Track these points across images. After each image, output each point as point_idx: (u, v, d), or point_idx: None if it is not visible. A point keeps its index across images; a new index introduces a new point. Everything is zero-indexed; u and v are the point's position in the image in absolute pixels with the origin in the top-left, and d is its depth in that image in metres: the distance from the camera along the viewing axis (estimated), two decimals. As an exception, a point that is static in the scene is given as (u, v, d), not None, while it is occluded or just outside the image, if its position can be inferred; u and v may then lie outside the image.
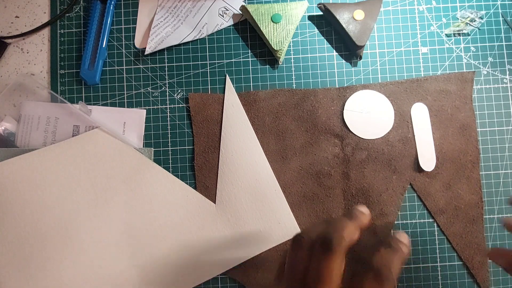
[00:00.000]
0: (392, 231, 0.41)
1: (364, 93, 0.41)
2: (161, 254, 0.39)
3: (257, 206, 0.40)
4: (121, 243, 0.39)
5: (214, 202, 0.41)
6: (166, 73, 0.43)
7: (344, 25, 0.40)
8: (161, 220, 0.40)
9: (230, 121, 0.41)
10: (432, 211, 0.41)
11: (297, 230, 0.40)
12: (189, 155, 0.42)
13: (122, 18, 0.43)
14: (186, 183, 0.41)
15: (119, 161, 0.40)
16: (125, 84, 0.43)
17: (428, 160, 0.40)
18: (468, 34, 0.42)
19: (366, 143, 0.41)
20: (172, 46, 0.43)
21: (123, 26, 0.43)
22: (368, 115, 0.41)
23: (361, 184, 0.40)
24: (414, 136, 0.41)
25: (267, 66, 0.43)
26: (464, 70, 0.42)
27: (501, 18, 0.43)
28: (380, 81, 0.42)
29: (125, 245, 0.39)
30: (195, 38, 0.42)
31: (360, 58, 0.42)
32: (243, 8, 0.42)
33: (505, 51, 0.42)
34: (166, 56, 0.43)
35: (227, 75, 0.42)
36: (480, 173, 0.41)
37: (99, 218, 0.39)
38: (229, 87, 0.42)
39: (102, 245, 0.39)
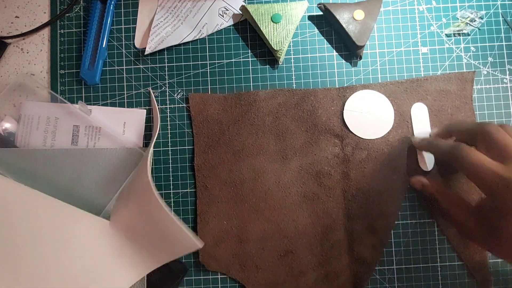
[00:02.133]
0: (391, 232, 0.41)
1: (364, 93, 0.41)
2: (53, 276, 0.37)
3: (150, 227, 0.38)
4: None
5: (218, 201, 0.40)
6: (166, 73, 0.43)
7: (344, 25, 0.40)
8: (58, 251, 0.37)
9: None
10: (433, 212, 0.41)
11: (195, 244, 0.37)
12: (189, 155, 0.42)
13: (122, 18, 0.43)
14: (186, 183, 0.41)
15: (6, 199, 0.37)
16: (125, 84, 0.43)
17: (426, 159, 0.40)
18: (468, 34, 0.42)
19: (366, 143, 0.41)
20: (172, 46, 0.43)
21: (123, 26, 0.43)
22: (368, 115, 0.41)
23: (361, 184, 0.40)
24: (414, 136, 0.41)
25: (267, 66, 0.43)
26: (464, 70, 0.42)
27: (501, 18, 0.43)
28: (380, 81, 0.42)
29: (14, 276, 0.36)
30: (195, 38, 0.42)
31: (360, 58, 0.42)
32: (243, 8, 0.42)
33: (505, 51, 0.42)
34: (166, 56, 0.43)
35: (150, 89, 0.42)
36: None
37: None
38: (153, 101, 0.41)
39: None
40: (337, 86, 0.42)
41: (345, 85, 0.42)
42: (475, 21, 0.42)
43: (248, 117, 0.41)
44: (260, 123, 0.41)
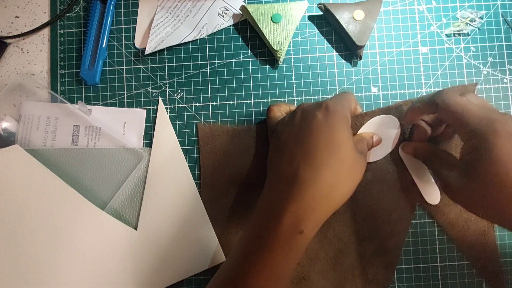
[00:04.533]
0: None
1: (380, 119, 0.38)
2: (76, 281, 0.38)
3: (182, 232, 0.39)
4: (31, 272, 0.37)
5: (227, 232, 0.40)
6: (166, 73, 0.43)
7: (344, 25, 0.40)
8: (75, 247, 0.38)
9: (160, 144, 0.41)
10: (443, 226, 0.40)
11: (222, 257, 0.40)
12: (190, 155, 0.42)
13: (122, 18, 0.43)
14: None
15: (33, 182, 0.38)
16: (125, 84, 0.43)
17: (431, 193, 0.39)
18: (468, 34, 0.42)
19: (370, 163, 0.39)
20: (172, 46, 0.43)
21: (123, 26, 0.43)
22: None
23: (370, 206, 0.40)
24: (410, 174, 0.39)
25: (267, 66, 0.43)
26: (465, 70, 0.42)
27: (501, 18, 0.42)
28: (398, 100, 0.40)
29: (35, 273, 0.37)
30: (195, 38, 0.42)
31: (360, 58, 0.42)
32: (243, 8, 0.42)
33: (505, 51, 0.42)
34: (166, 56, 0.43)
35: (160, 99, 0.42)
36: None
37: (11, 242, 0.37)
38: (161, 109, 0.42)
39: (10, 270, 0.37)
40: (337, 86, 0.42)
41: (345, 85, 0.42)
42: (475, 21, 0.42)
43: (256, 149, 0.41)
44: (267, 154, 0.39)
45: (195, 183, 0.41)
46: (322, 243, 0.40)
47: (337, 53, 0.43)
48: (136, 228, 0.39)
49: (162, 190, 0.40)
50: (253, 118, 0.42)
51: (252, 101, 0.42)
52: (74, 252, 0.38)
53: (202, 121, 0.42)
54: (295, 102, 0.42)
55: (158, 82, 0.43)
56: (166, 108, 0.42)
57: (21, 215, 0.38)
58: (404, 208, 0.40)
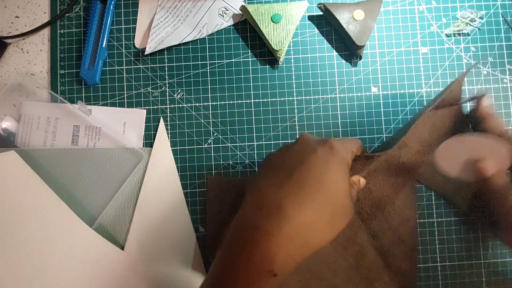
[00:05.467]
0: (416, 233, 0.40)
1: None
2: None
3: (170, 255, 0.39)
4: (16, 283, 0.37)
5: None
6: (166, 73, 0.43)
7: (344, 25, 0.40)
8: (60, 263, 0.37)
9: (156, 165, 0.40)
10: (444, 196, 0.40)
11: None
12: (189, 155, 0.42)
13: (122, 18, 0.43)
14: (186, 183, 0.41)
15: (25, 191, 0.38)
16: (125, 84, 0.43)
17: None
18: (468, 34, 0.42)
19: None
20: (172, 46, 0.43)
21: (123, 26, 0.43)
22: None
23: (372, 200, 0.39)
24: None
25: (267, 66, 0.43)
26: (464, 70, 0.42)
27: (501, 18, 0.43)
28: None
29: (20, 285, 0.36)
30: (195, 38, 0.42)
31: (360, 58, 0.42)
32: (243, 8, 0.42)
33: (505, 51, 0.42)
34: (166, 56, 0.43)
35: (161, 119, 0.42)
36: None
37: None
38: (162, 130, 0.41)
39: None
40: (337, 86, 0.42)
41: (345, 85, 0.42)
42: (475, 21, 0.42)
43: None
44: None
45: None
46: (338, 251, 0.39)
47: (337, 53, 0.43)
48: (123, 248, 0.39)
49: (153, 213, 0.40)
50: (253, 118, 0.42)
51: (252, 101, 0.42)
52: (59, 267, 0.37)
53: (213, 173, 0.42)
54: (295, 102, 0.42)
55: (158, 82, 0.43)
56: (166, 108, 0.42)
57: (10, 223, 0.37)
58: (406, 191, 0.39)
